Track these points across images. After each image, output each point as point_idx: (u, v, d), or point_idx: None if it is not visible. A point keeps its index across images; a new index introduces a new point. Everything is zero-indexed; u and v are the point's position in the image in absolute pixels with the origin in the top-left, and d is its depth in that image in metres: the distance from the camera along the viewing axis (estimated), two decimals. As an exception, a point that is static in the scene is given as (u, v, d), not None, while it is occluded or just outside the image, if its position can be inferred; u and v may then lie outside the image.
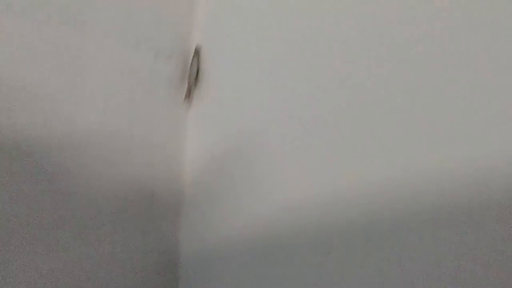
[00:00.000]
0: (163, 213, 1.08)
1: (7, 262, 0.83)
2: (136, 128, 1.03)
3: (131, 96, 1.03)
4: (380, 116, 0.73)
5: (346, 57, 0.80)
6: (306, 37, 0.88)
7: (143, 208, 1.04)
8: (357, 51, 0.79)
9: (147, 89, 1.06)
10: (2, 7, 0.82)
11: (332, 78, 0.82)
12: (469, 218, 0.61)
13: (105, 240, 0.97)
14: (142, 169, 1.05)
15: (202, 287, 1.05)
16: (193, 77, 1.10)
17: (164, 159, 1.09)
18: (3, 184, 0.82)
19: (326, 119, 0.82)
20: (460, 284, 0.61)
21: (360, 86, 0.77)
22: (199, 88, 1.12)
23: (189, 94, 1.11)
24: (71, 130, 0.92)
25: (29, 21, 0.86)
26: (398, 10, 0.73)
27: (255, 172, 0.94)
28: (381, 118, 0.73)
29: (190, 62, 1.11)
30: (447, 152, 0.64)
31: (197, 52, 1.10)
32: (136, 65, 1.03)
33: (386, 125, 0.72)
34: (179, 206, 1.11)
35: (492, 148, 0.60)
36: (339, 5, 0.83)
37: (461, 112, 0.64)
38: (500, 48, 0.62)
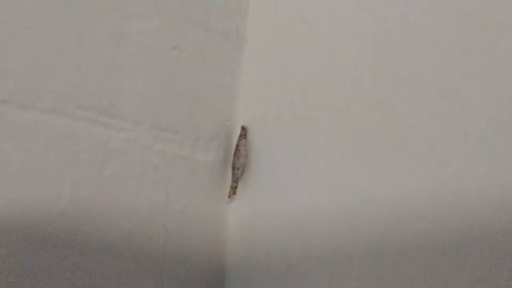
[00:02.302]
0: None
1: None
2: (170, 231, 0.76)
3: (165, 193, 0.76)
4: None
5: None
6: (365, 113, 0.76)
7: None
8: None
9: (184, 183, 0.79)
10: None
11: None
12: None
13: None
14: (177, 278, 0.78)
15: None
16: (240, 168, 0.83)
17: (202, 266, 0.81)
18: None
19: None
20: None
21: None
22: (245, 179, 0.85)
23: (234, 190, 0.84)
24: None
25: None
26: None
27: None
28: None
29: (235, 147, 0.84)
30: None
31: (243, 135, 0.84)
32: (172, 156, 0.77)
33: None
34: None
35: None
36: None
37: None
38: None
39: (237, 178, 0.84)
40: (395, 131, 0.72)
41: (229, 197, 0.84)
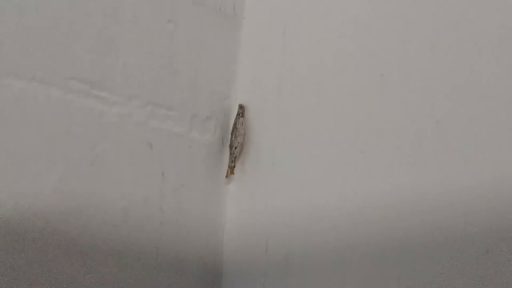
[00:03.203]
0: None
1: None
2: (166, 211, 0.73)
3: (161, 172, 0.74)
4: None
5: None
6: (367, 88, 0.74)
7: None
8: None
9: (180, 162, 0.77)
10: None
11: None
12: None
13: None
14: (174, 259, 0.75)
15: None
16: (237, 147, 0.81)
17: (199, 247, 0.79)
18: None
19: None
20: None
21: None
22: (243, 159, 0.83)
23: (232, 169, 0.81)
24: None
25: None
26: None
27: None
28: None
29: (233, 126, 0.82)
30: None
31: (241, 113, 0.82)
32: (168, 133, 0.74)
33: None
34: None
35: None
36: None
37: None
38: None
39: (235, 157, 0.82)
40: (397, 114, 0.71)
41: (226, 176, 0.82)
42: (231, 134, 0.82)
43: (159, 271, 0.73)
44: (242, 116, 0.82)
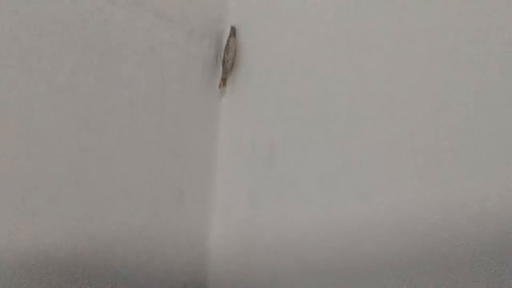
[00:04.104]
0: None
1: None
2: (166, 110, 0.83)
3: (161, 74, 0.84)
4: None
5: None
6: (355, 15, 0.81)
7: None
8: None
9: (179, 69, 0.87)
10: None
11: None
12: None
13: None
14: (169, 167, 0.84)
15: None
16: (229, 61, 0.91)
17: (193, 160, 0.88)
18: None
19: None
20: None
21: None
22: (234, 74, 0.93)
23: (224, 81, 0.92)
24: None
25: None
26: None
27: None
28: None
29: (225, 44, 0.92)
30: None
31: (233, 33, 0.92)
32: (168, 42, 0.85)
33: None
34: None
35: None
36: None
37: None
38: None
39: (227, 70, 0.92)
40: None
41: (219, 87, 0.92)
42: (224, 51, 0.93)
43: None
44: (234, 36, 0.93)
